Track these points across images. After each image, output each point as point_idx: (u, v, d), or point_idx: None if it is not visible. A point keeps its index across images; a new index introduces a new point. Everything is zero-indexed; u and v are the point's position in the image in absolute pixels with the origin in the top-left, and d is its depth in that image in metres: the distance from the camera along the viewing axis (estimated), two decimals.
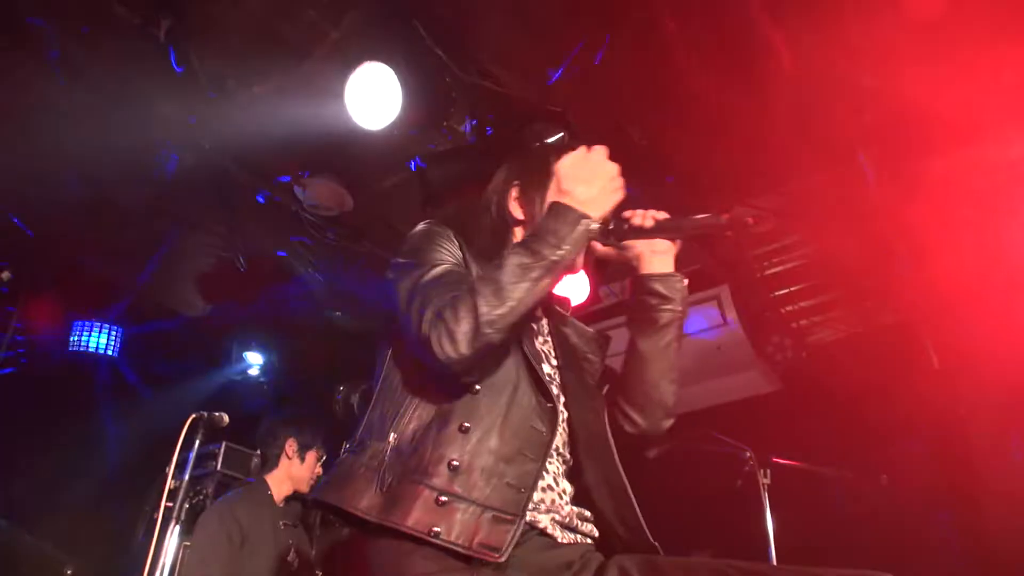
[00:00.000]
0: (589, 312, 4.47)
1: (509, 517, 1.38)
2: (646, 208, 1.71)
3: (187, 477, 3.27)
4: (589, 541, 1.57)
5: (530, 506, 1.44)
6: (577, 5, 3.11)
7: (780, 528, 3.45)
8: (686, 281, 1.70)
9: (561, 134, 3.50)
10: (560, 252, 1.45)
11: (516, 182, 1.74)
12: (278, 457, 3.83)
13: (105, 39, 3.29)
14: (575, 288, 4.09)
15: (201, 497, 4.40)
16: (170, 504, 3.18)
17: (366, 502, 1.42)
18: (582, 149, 1.61)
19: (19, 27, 3.19)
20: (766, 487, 3.51)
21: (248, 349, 5.69)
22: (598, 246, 1.71)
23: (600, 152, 1.60)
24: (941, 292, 3.91)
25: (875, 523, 3.84)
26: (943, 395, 4.08)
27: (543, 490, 1.50)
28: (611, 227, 1.68)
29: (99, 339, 4.91)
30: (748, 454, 3.58)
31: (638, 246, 1.71)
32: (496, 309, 1.39)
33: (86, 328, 4.89)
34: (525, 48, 3.33)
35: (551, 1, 3.11)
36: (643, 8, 3.04)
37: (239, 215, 4.35)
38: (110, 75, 3.42)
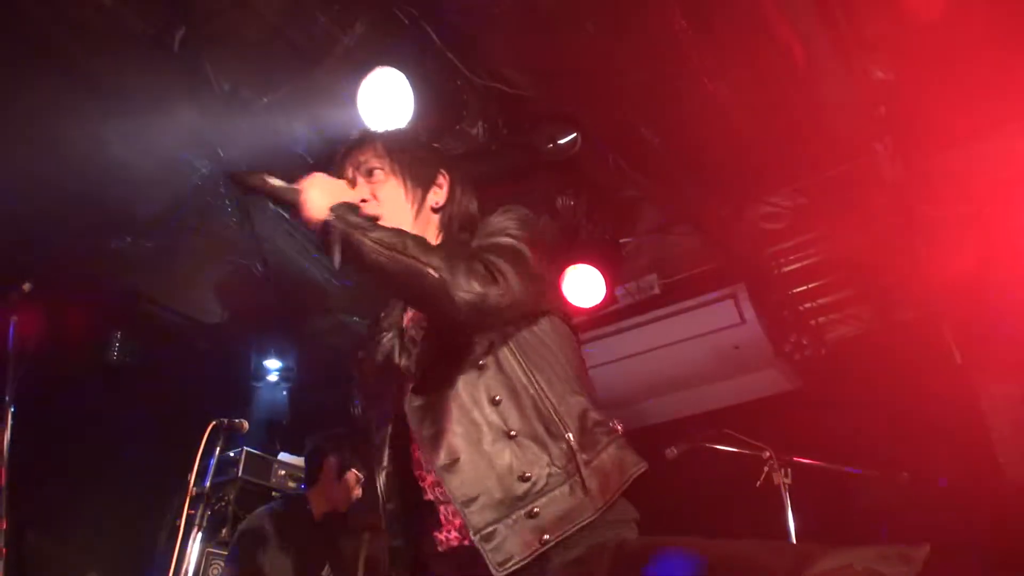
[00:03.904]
0: (605, 313, 4.46)
1: None
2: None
3: (208, 484, 3.29)
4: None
5: None
6: (588, 4, 3.10)
7: (801, 527, 3.42)
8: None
9: (574, 135, 3.50)
10: None
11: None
12: (318, 475, 3.86)
13: (120, 50, 3.32)
14: (591, 289, 4.09)
15: (223, 504, 4.43)
16: (192, 511, 3.20)
17: None
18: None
19: (36, 37, 3.23)
20: (787, 487, 3.48)
21: (267, 355, 5.72)
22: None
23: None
24: (962, 286, 3.87)
25: (897, 521, 3.80)
26: (965, 391, 4.03)
27: None
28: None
29: (121, 346, 4.96)
30: (768, 454, 3.54)
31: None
32: None
33: (108, 335, 4.94)
34: (536, 49, 3.32)
35: (561, 2, 3.11)
36: (655, 7, 3.03)
37: (255, 222, 4.38)
38: (125, 86, 3.45)
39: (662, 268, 4.71)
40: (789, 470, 3.51)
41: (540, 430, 1.53)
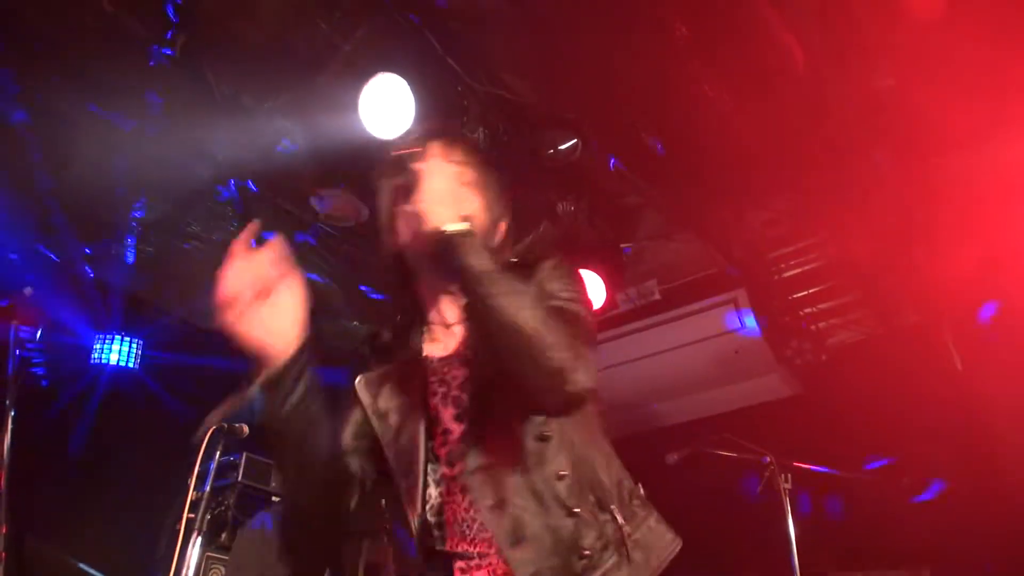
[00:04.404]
0: (606, 318, 4.46)
1: None
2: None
3: (208, 488, 3.29)
4: None
5: None
6: (588, 11, 3.11)
7: (802, 533, 3.41)
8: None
9: (574, 140, 3.51)
10: None
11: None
12: None
13: (122, 55, 3.33)
14: (592, 294, 4.09)
15: (223, 508, 4.43)
16: (192, 516, 3.20)
17: None
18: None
19: (37, 42, 3.24)
20: (787, 492, 3.48)
21: None
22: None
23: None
24: (963, 292, 3.87)
25: (898, 527, 3.80)
26: (966, 397, 4.03)
27: None
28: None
29: (120, 351, 4.96)
30: (768, 459, 3.54)
31: None
32: None
33: (107, 340, 4.94)
34: (537, 56, 3.33)
35: (561, 8, 3.12)
36: (655, 13, 3.04)
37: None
38: (126, 91, 3.46)
39: (663, 273, 4.71)
40: (790, 475, 3.51)
41: (592, 501, 1.48)
